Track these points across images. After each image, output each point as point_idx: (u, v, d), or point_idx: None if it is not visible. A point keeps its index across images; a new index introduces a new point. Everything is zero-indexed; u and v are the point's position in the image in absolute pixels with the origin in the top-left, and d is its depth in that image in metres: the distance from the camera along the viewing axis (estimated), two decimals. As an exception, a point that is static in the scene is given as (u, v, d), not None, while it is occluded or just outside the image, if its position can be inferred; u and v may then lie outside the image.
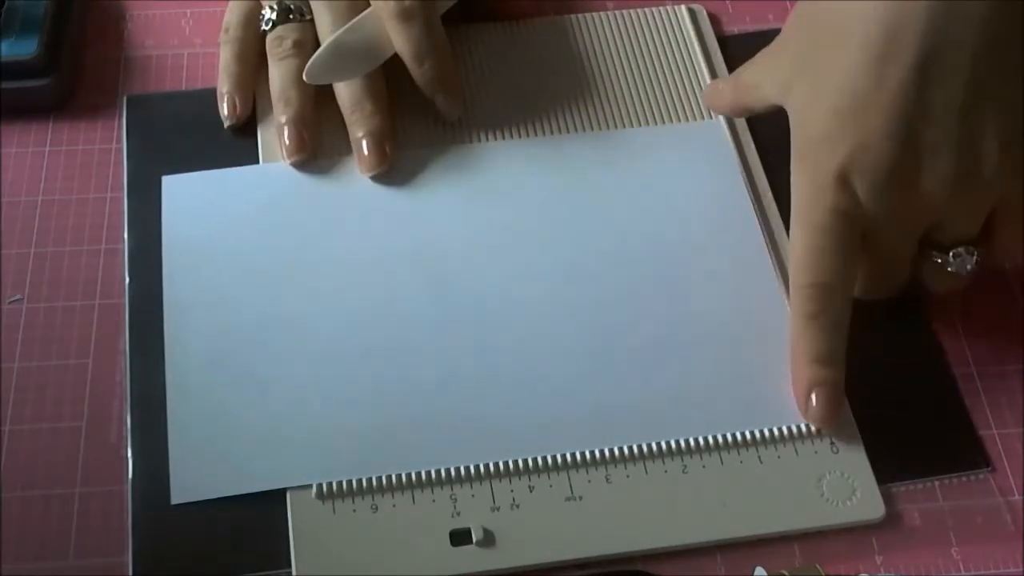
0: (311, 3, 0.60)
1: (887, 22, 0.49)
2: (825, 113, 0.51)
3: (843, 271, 0.51)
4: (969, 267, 0.52)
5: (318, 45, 0.58)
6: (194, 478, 0.49)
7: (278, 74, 0.59)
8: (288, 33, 0.60)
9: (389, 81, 0.59)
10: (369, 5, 0.58)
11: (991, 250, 0.52)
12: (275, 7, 0.60)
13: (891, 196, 0.50)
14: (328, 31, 0.58)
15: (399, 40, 0.58)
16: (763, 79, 0.56)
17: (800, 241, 0.51)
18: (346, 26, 0.58)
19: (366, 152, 0.58)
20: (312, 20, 0.60)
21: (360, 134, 0.58)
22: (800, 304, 0.51)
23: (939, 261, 0.52)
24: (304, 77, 0.57)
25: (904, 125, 0.49)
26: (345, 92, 0.58)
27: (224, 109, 0.59)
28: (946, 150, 0.49)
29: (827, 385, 0.50)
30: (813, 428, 0.51)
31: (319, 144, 0.58)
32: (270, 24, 0.60)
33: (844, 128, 0.50)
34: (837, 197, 0.50)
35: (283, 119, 0.58)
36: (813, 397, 0.50)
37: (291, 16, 0.60)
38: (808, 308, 0.51)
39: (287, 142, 0.58)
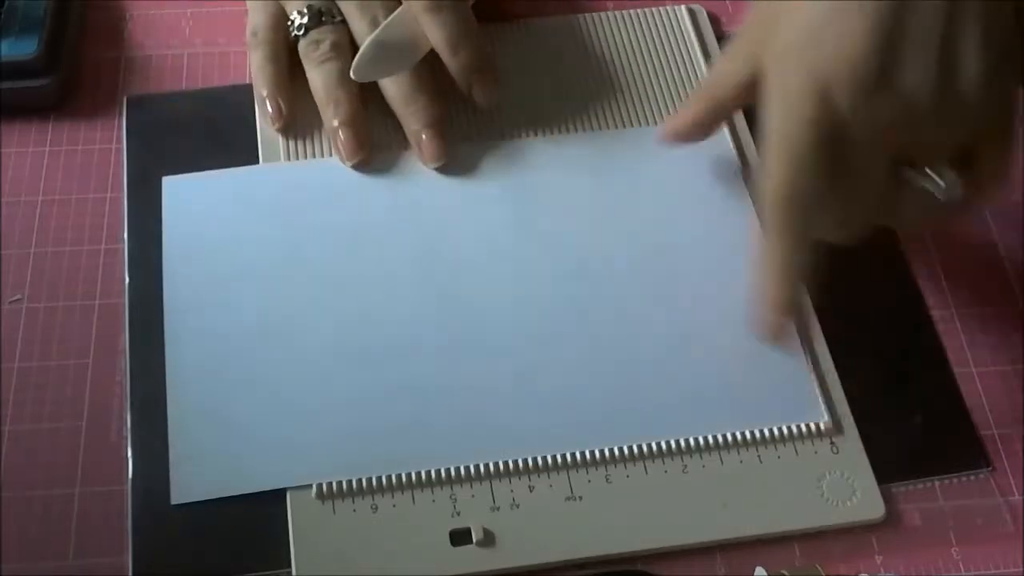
0: (340, 4, 0.59)
1: None
2: (799, 29, 0.50)
3: (818, 186, 0.49)
4: (948, 189, 0.49)
5: (354, 46, 0.58)
6: (194, 478, 0.49)
7: (320, 77, 0.58)
8: (324, 36, 0.59)
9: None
10: (400, 2, 0.58)
11: (973, 181, 0.50)
12: (305, 12, 0.59)
13: (871, 102, 0.48)
14: (366, 30, 0.58)
15: (432, 31, 0.57)
16: (729, 62, 0.54)
17: (775, 155, 0.50)
18: (385, 22, 0.57)
19: (429, 143, 0.58)
20: (343, 21, 0.59)
21: (418, 127, 0.58)
22: (774, 218, 0.50)
23: (919, 184, 0.49)
24: (352, 75, 0.57)
25: (883, 30, 0.48)
26: (394, 88, 0.58)
27: (269, 111, 0.59)
28: (926, 54, 0.48)
29: (791, 303, 0.51)
30: (813, 427, 0.51)
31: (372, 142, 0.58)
32: (303, 29, 0.59)
33: (822, 38, 0.49)
34: (815, 109, 0.48)
35: (335, 122, 0.58)
36: (772, 314, 0.51)
37: (323, 19, 0.59)
38: (781, 221, 0.50)
39: (345, 144, 0.58)
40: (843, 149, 0.48)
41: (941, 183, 0.49)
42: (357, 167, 0.58)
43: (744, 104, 0.55)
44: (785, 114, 0.49)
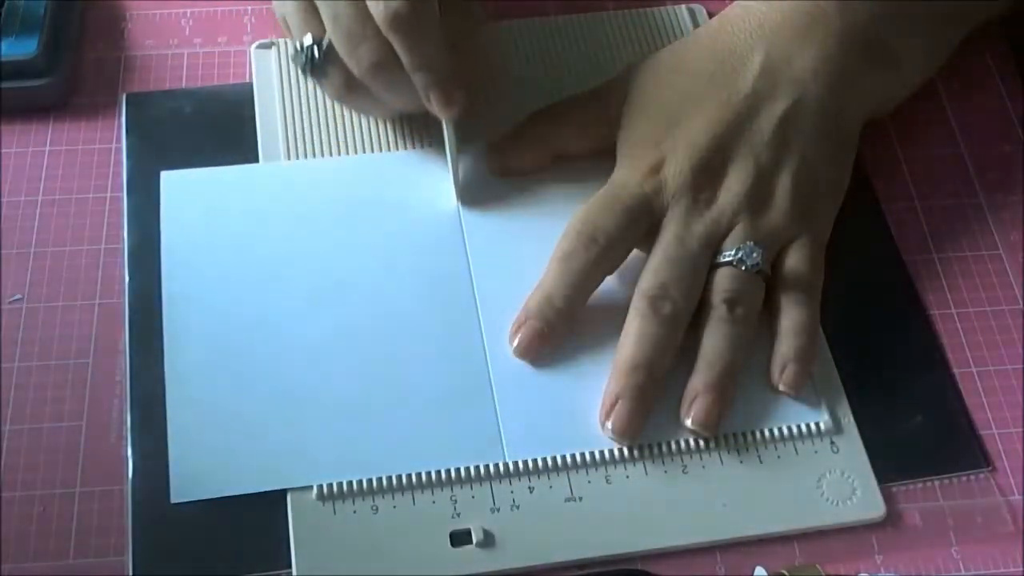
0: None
1: (718, 56, 0.56)
2: (654, 119, 0.55)
3: (617, 236, 0.53)
4: (750, 261, 0.52)
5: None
6: (194, 477, 0.49)
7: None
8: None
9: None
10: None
11: (776, 275, 0.54)
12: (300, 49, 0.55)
13: (694, 185, 0.53)
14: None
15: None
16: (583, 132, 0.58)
17: (592, 203, 0.54)
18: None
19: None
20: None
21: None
22: (561, 245, 0.53)
23: (723, 259, 0.53)
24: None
25: (723, 131, 0.54)
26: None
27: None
28: (747, 168, 0.54)
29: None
30: (813, 427, 0.51)
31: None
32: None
33: (672, 128, 0.55)
34: (645, 182, 0.54)
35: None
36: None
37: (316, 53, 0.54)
38: (566, 248, 0.53)
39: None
40: (650, 216, 0.54)
41: (745, 256, 0.53)
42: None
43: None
44: (620, 186, 0.54)
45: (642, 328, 0.51)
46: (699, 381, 0.51)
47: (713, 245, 0.53)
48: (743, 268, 0.52)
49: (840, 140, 0.56)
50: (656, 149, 0.54)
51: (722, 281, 0.52)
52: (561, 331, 0.52)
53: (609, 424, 0.50)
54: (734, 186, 0.54)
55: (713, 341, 0.51)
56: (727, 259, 0.53)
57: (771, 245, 0.53)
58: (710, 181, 0.54)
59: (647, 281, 0.52)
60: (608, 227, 0.53)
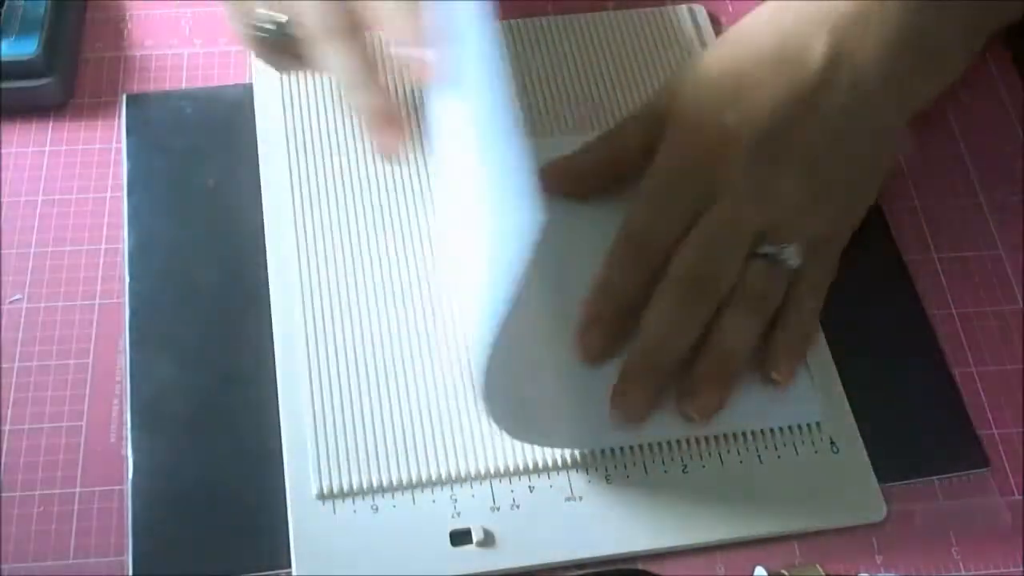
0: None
1: (782, 35, 0.54)
2: (717, 86, 0.53)
3: (670, 231, 0.52)
4: (792, 263, 0.52)
5: None
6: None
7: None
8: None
9: None
10: None
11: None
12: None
13: (750, 168, 0.52)
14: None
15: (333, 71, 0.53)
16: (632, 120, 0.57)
17: (644, 189, 0.53)
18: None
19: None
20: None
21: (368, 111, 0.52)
22: (616, 248, 0.52)
23: (764, 251, 0.52)
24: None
25: (784, 115, 0.52)
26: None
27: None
28: (802, 158, 0.52)
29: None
30: (813, 427, 0.51)
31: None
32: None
33: (735, 101, 0.52)
34: (705, 156, 0.52)
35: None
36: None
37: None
38: (625, 254, 0.52)
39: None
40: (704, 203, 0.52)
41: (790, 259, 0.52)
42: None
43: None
44: (670, 147, 0.53)
45: (672, 309, 0.50)
46: (710, 368, 0.51)
47: (756, 235, 0.52)
48: (781, 267, 0.52)
49: (889, 139, 0.55)
50: (718, 119, 0.52)
51: (758, 274, 0.51)
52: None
53: (619, 401, 0.50)
54: (788, 176, 0.52)
55: (732, 330, 0.51)
56: (768, 252, 0.52)
57: (808, 244, 0.52)
58: (767, 167, 0.52)
59: (688, 259, 0.51)
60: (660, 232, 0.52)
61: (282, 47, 0.54)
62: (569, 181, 0.57)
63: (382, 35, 0.54)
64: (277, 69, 0.58)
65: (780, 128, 0.52)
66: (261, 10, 0.53)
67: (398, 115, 0.52)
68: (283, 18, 0.53)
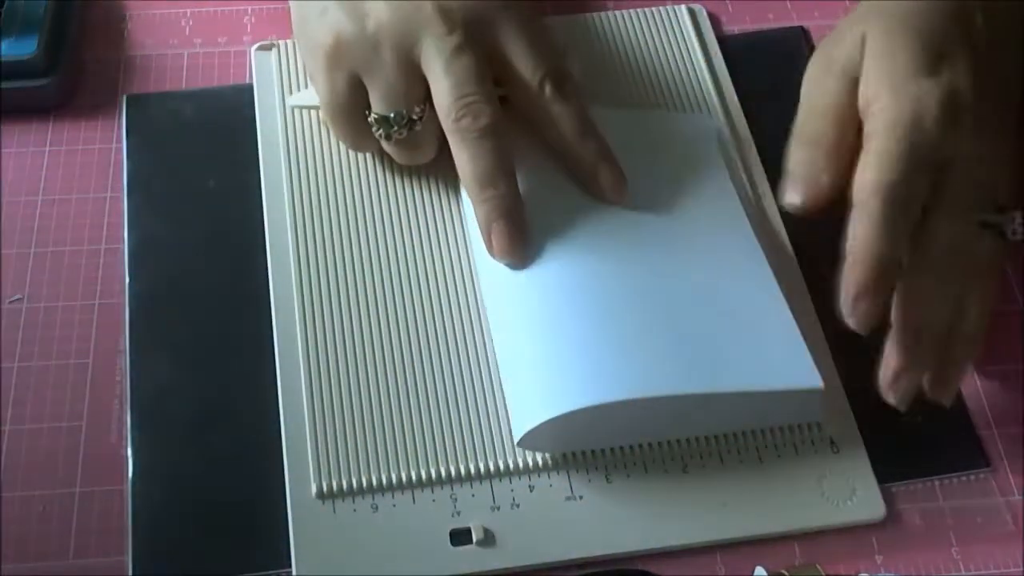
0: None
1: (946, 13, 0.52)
2: (913, 47, 0.51)
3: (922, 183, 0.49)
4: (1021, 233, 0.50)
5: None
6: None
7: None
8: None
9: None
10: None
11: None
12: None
13: (968, 133, 0.50)
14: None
15: (560, 120, 0.54)
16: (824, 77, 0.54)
17: (887, 144, 0.49)
18: None
19: (500, 236, 0.52)
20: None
21: (490, 216, 0.53)
22: (881, 210, 0.48)
23: (994, 220, 0.50)
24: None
25: (973, 84, 0.50)
26: (470, 166, 0.53)
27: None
28: (1001, 131, 0.51)
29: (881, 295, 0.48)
30: (813, 427, 0.51)
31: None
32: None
33: (938, 61, 0.51)
34: (942, 116, 0.49)
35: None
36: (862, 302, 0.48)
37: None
38: (886, 214, 0.48)
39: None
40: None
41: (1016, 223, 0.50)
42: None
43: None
44: (898, 88, 0.50)
45: (935, 287, 0.49)
46: (966, 355, 0.50)
47: (991, 202, 0.50)
48: (1007, 236, 0.50)
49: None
50: (931, 78, 0.50)
51: (988, 244, 0.50)
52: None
53: (895, 387, 0.49)
54: (986, 150, 0.50)
55: (978, 311, 0.50)
56: (997, 222, 0.50)
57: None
58: (975, 133, 0.50)
59: (945, 232, 0.49)
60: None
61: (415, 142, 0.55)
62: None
63: (546, 136, 0.55)
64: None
65: (974, 97, 0.50)
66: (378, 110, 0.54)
67: (523, 218, 0.53)
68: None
